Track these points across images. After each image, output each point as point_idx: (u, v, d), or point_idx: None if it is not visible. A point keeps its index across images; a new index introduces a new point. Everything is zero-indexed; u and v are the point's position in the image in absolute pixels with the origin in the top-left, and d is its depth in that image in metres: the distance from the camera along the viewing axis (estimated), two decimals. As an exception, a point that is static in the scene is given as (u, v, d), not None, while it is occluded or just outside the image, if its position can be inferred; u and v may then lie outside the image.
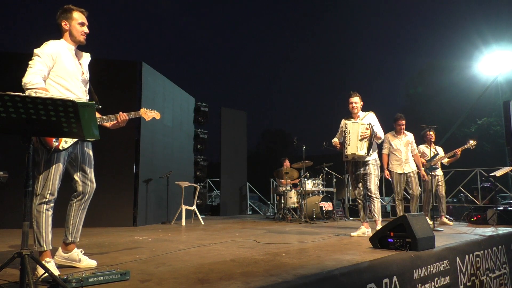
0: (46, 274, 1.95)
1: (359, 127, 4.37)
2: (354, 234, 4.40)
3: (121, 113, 2.66)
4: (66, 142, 2.40)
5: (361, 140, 4.34)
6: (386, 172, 5.84)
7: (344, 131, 4.48)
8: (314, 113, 69.31)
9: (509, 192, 8.66)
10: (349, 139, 4.40)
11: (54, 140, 2.34)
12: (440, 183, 6.33)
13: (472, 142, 6.04)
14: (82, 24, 2.60)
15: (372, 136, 4.38)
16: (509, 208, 6.29)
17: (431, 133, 6.03)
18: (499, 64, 13.08)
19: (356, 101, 4.60)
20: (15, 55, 6.22)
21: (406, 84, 29.81)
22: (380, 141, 4.67)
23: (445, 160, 6.35)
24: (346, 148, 4.42)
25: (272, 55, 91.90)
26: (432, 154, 5.74)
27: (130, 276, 2.17)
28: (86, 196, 2.62)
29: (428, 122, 5.68)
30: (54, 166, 2.37)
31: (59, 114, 1.79)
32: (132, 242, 4.01)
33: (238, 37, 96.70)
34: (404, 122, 5.79)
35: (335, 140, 4.73)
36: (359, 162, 4.51)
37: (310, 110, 71.01)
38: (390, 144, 5.83)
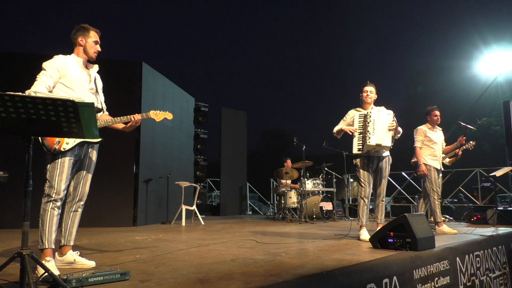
0: (46, 274, 1.96)
1: (387, 117, 4.03)
2: (363, 238, 4.00)
3: (136, 114, 2.78)
4: (67, 143, 2.48)
5: (389, 130, 4.00)
6: (423, 167, 5.13)
7: (365, 120, 4.09)
8: (314, 113, 69.41)
9: (509, 192, 8.66)
10: (374, 128, 4.00)
11: (55, 142, 2.43)
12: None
13: (471, 142, 6.02)
14: (96, 42, 2.76)
15: (397, 128, 4.08)
16: (509, 208, 6.29)
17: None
18: (499, 64, 13.04)
19: (371, 90, 4.25)
20: (15, 55, 6.23)
21: (406, 84, 29.81)
22: (399, 135, 4.29)
23: (447, 160, 6.27)
24: (369, 138, 4.00)
25: (272, 55, 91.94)
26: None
27: (130, 276, 2.17)
28: (77, 199, 2.65)
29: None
30: (59, 166, 2.47)
31: (59, 114, 1.79)
32: (132, 242, 4.01)
33: (238, 37, 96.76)
34: (439, 112, 5.37)
35: (345, 128, 4.24)
36: (373, 157, 4.16)
37: (310, 110, 71.11)
38: (426, 137, 5.28)
